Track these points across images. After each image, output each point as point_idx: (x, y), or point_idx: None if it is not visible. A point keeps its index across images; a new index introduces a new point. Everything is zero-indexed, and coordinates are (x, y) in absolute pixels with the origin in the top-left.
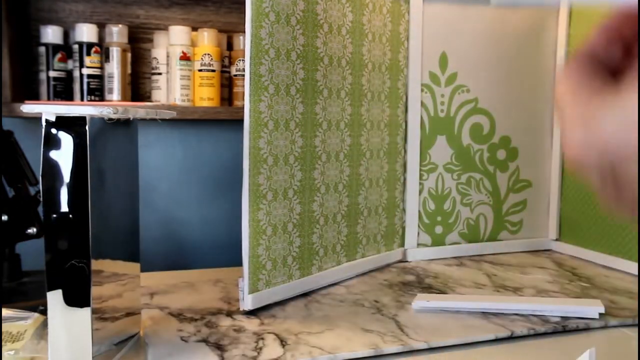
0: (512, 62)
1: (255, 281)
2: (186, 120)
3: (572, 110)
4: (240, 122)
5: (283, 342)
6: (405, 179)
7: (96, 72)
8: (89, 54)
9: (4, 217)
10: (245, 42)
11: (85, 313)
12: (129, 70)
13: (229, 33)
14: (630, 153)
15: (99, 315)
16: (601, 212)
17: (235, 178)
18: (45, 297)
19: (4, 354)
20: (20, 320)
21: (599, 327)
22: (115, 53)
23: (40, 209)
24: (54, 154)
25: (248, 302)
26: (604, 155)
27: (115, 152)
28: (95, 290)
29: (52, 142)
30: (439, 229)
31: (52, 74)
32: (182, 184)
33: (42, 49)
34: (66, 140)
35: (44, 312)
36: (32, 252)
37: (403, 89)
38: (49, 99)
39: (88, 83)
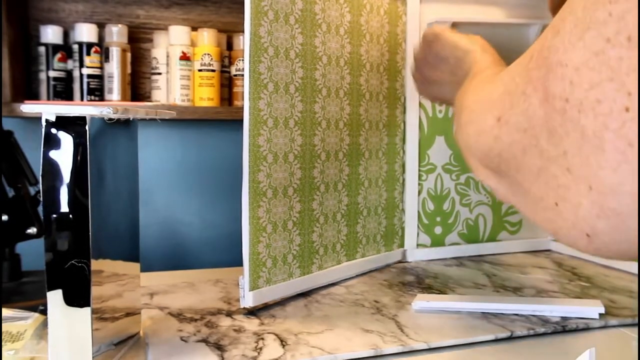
0: (512, 61)
1: (256, 278)
2: (186, 120)
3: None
4: (240, 122)
5: (283, 342)
6: (404, 180)
7: (96, 72)
8: (88, 53)
9: (4, 217)
10: (244, 40)
11: (85, 313)
12: (128, 70)
13: (229, 33)
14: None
15: (98, 315)
16: None
17: (234, 178)
18: (45, 297)
19: (4, 353)
20: (20, 320)
21: (599, 327)
22: (115, 53)
23: (40, 209)
24: (54, 154)
25: (249, 299)
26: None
27: (115, 152)
28: (95, 290)
29: (52, 142)
30: (438, 230)
31: (52, 73)
32: (182, 184)
33: (42, 49)
34: (66, 140)
35: (44, 312)
36: (32, 252)
37: (401, 89)
38: (48, 98)
39: (88, 83)
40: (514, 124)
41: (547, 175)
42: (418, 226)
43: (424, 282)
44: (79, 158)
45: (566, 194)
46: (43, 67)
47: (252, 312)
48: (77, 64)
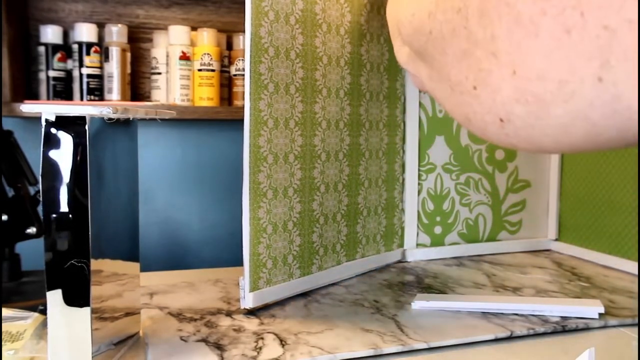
0: None
1: (256, 279)
2: (186, 120)
3: None
4: (239, 121)
5: (283, 342)
6: (404, 179)
7: (96, 71)
8: (88, 53)
9: (4, 217)
10: (245, 40)
11: (84, 313)
12: (128, 70)
13: (229, 33)
14: None
15: (98, 315)
16: (600, 211)
17: (234, 178)
18: (45, 297)
19: (4, 353)
20: (20, 320)
21: (599, 326)
22: (114, 53)
23: (39, 208)
24: (53, 154)
25: (249, 300)
26: None
27: (115, 152)
28: (94, 290)
29: (51, 142)
30: (438, 229)
31: (51, 73)
32: (182, 184)
33: (42, 49)
34: (66, 140)
35: (43, 312)
36: (32, 252)
37: (401, 89)
38: (48, 98)
39: (88, 83)
40: (450, 2)
41: (470, 59)
42: (418, 226)
43: (424, 281)
44: (78, 158)
45: (487, 77)
46: (43, 67)
47: (251, 312)
48: (76, 63)
